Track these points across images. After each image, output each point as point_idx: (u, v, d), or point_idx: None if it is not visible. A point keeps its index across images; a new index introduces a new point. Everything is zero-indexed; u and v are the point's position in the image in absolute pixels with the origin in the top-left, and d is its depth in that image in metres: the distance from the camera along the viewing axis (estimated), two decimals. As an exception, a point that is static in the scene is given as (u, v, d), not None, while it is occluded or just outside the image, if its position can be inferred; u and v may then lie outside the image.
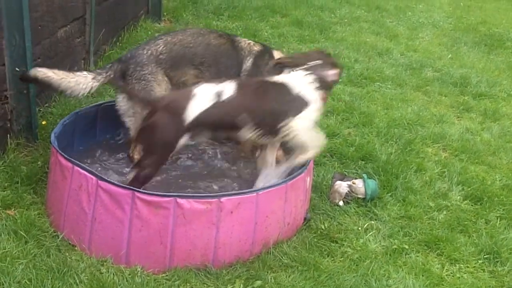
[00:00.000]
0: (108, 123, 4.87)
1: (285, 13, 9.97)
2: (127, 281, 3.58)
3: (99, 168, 4.51)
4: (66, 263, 3.65)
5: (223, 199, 3.73)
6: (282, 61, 4.47)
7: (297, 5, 10.50)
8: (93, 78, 4.41)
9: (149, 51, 4.49)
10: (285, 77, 4.21)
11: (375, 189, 4.75)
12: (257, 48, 4.83)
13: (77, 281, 3.52)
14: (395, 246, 4.26)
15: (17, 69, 4.57)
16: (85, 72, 4.46)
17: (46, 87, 4.46)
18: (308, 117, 4.14)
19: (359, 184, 4.73)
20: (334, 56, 7.99)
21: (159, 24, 8.67)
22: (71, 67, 5.79)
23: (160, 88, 4.47)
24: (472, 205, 4.93)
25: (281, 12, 9.98)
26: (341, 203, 4.66)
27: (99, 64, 6.50)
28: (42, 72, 4.26)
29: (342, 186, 4.72)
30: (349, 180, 4.77)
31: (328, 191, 4.79)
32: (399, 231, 4.45)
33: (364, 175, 4.84)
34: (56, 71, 4.30)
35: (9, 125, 4.69)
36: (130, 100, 4.43)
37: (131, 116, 4.50)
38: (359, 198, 4.69)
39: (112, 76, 4.47)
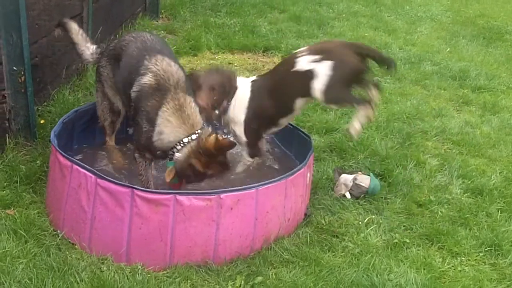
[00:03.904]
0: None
1: (283, 8, 9.95)
2: (127, 279, 3.57)
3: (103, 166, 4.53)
4: (66, 262, 3.65)
5: (223, 195, 3.72)
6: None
7: (295, 0, 10.48)
8: (91, 54, 4.69)
9: None
10: None
11: (378, 184, 4.76)
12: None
13: (78, 279, 3.51)
14: (396, 240, 4.25)
15: (14, 68, 4.56)
16: (93, 46, 4.73)
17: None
18: None
19: (364, 176, 4.77)
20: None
21: (157, 21, 8.66)
22: (69, 66, 5.78)
23: None
24: (472, 198, 4.93)
25: (279, 7, 9.96)
26: (347, 194, 4.66)
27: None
28: (74, 28, 4.75)
29: (347, 179, 4.74)
30: (353, 174, 4.81)
31: (333, 185, 4.80)
32: (399, 225, 4.45)
33: (371, 173, 4.86)
34: (80, 33, 4.74)
35: (7, 124, 4.67)
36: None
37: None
38: (364, 189, 4.69)
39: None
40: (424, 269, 3.99)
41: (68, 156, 3.93)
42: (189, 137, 3.95)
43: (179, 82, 4.02)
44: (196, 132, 3.97)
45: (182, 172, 4.00)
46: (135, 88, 4.05)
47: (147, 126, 3.98)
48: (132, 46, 4.26)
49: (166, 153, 4.04)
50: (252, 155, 4.59)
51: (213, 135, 3.90)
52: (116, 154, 4.65)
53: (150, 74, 4.01)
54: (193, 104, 4.03)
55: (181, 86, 4.02)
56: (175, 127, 3.96)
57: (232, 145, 3.97)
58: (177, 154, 3.97)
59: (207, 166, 3.96)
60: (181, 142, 3.95)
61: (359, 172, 4.87)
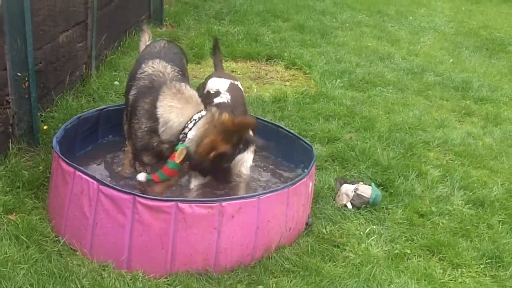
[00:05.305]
0: (110, 128, 4.87)
1: (287, 17, 9.97)
2: (128, 286, 3.57)
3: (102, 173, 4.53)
4: (67, 268, 3.65)
5: (224, 203, 3.72)
6: None
7: (298, 9, 10.51)
8: None
9: None
10: None
11: (380, 195, 4.75)
12: None
13: (79, 286, 3.51)
14: (397, 251, 4.25)
15: (18, 73, 4.57)
16: None
17: None
18: None
19: (365, 186, 4.77)
20: (336, 60, 8.05)
21: (161, 29, 8.68)
22: (73, 72, 5.80)
23: None
24: (474, 210, 4.92)
25: (282, 16, 9.98)
26: (348, 204, 4.66)
27: (101, 69, 6.50)
28: None
29: (349, 189, 4.74)
30: (355, 184, 4.80)
31: (335, 194, 4.80)
32: (401, 235, 4.45)
33: (372, 184, 4.85)
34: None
35: (10, 129, 4.68)
36: None
37: None
38: (365, 199, 4.68)
39: None
40: (424, 280, 3.99)
41: (70, 162, 3.93)
42: (199, 114, 3.80)
43: (174, 76, 4.01)
44: (202, 109, 3.83)
45: (199, 153, 3.75)
46: (132, 92, 4.06)
47: (148, 123, 3.88)
48: (141, 54, 4.37)
49: (172, 147, 3.84)
50: None
51: (225, 113, 3.77)
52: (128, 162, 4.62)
53: (145, 76, 4.03)
54: (189, 87, 3.94)
55: (176, 78, 4.00)
56: (181, 109, 3.83)
57: (253, 123, 3.82)
58: (191, 133, 3.78)
59: (228, 143, 3.71)
60: (192, 119, 3.79)
61: (361, 182, 4.87)
